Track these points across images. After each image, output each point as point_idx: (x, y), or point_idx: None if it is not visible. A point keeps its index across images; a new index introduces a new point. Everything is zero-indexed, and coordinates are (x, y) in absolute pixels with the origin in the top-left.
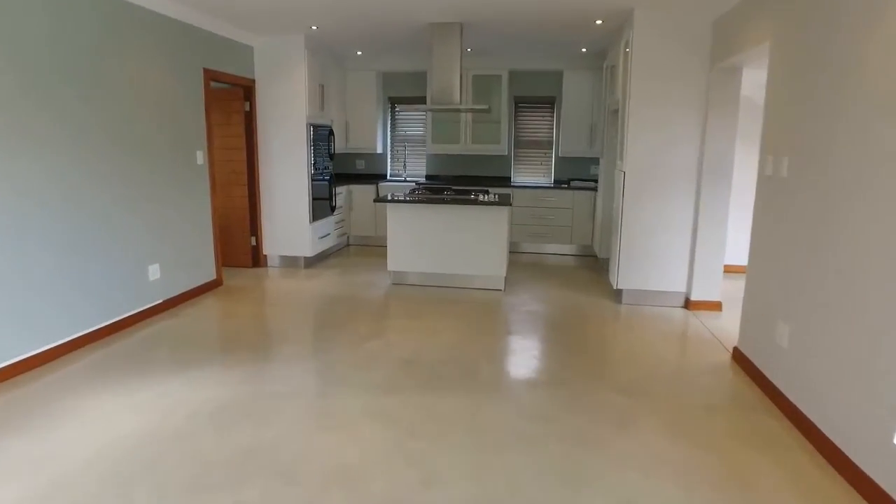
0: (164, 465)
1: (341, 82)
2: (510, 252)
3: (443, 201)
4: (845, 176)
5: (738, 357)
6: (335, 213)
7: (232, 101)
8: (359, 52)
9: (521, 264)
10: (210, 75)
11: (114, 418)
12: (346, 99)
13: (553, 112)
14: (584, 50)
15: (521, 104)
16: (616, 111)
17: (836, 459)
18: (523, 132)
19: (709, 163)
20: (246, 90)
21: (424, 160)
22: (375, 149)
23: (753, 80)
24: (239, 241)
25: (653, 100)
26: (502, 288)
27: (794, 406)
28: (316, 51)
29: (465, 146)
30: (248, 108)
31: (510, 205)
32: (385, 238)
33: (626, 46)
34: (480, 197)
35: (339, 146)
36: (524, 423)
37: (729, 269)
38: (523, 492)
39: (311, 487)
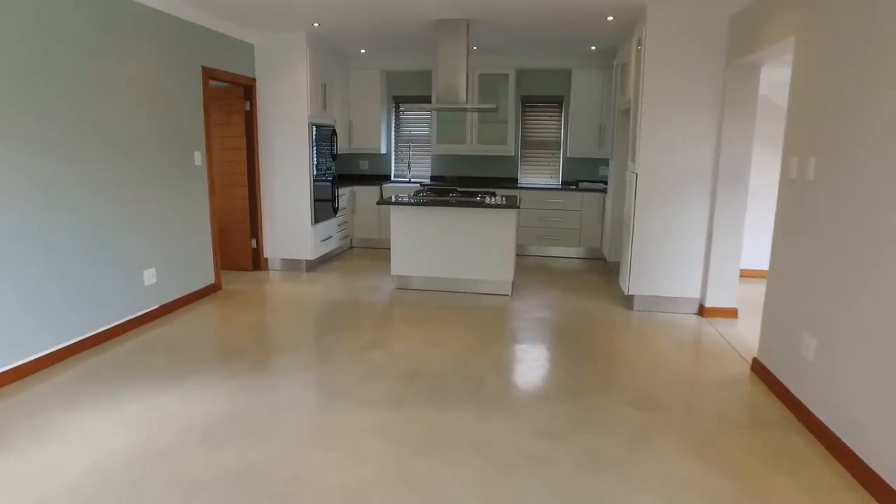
0: (152, 486)
1: (344, 81)
2: (516, 255)
3: (448, 204)
4: (878, 178)
5: (758, 368)
6: (338, 214)
7: (232, 100)
8: (362, 51)
9: (528, 267)
10: (209, 74)
11: (101, 434)
12: (349, 98)
13: (561, 112)
14: (593, 48)
15: (529, 104)
16: (627, 111)
17: (873, 485)
18: (530, 132)
19: (725, 165)
20: (246, 89)
21: (429, 161)
22: (379, 149)
23: (769, 79)
24: (239, 244)
25: (666, 99)
26: (509, 293)
27: (823, 424)
28: (318, 49)
29: (470, 146)
30: (248, 108)
31: (518, 207)
32: (389, 240)
33: (638, 44)
34: (487, 199)
35: (342, 146)
36: (534, 441)
37: (743, 274)
38: None
39: None
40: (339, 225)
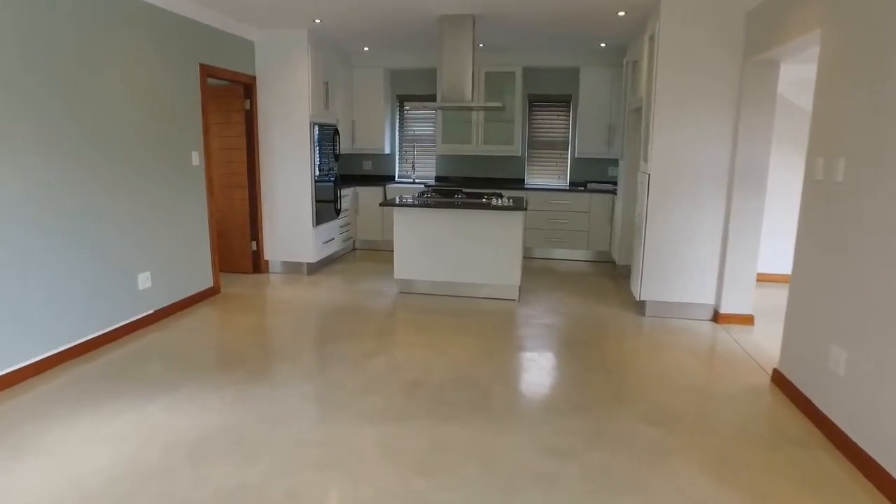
0: None
1: (347, 80)
2: (522, 257)
3: (453, 205)
4: None
5: (779, 380)
6: (340, 216)
7: (232, 98)
8: (365, 48)
9: (535, 270)
10: (207, 71)
11: (85, 449)
12: (352, 97)
13: (569, 111)
14: (602, 45)
15: (536, 103)
16: (638, 110)
17: None
18: (538, 132)
19: (741, 165)
20: (246, 87)
21: (434, 161)
22: (383, 149)
23: (784, 76)
24: (239, 246)
25: (680, 97)
26: (516, 298)
27: (854, 443)
28: (320, 46)
29: (476, 147)
30: (248, 107)
31: (525, 209)
32: (393, 242)
33: (650, 40)
34: (493, 201)
35: (345, 146)
36: (543, 459)
37: (758, 278)
38: None
39: None
40: (341, 227)
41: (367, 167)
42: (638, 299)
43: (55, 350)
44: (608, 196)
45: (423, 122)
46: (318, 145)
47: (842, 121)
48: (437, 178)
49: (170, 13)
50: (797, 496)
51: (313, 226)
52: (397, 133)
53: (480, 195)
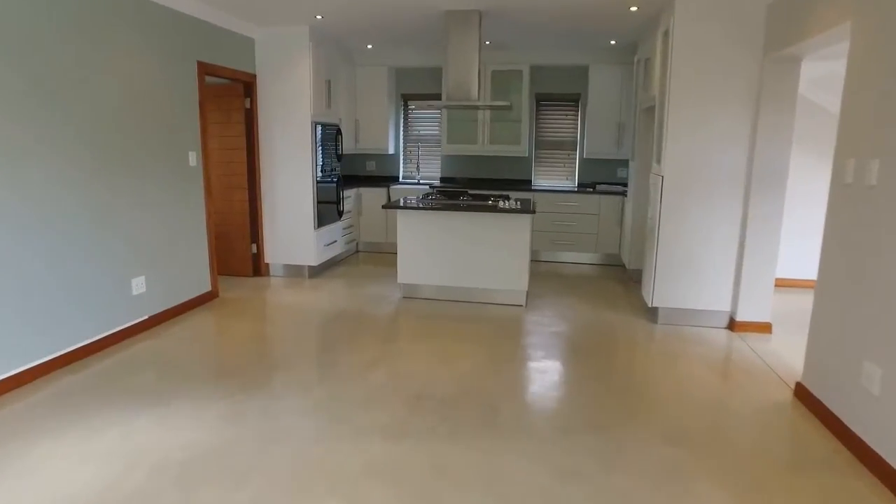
0: None
1: (350, 78)
2: (529, 260)
3: (458, 208)
4: None
5: (803, 395)
6: (343, 217)
7: (231, 97)
8: (369, 46)
9: (542, 274)
10: (205, 69)
11: (65, 469)
12: (355, 96)
13: (577, 110)
14: (612, 42)
15: (544, 102)
16: (650, 109)
17: None
18: (545, 132)
19: (760, 166)
20: (246, 86)
21: (439, 161)
22: (387, 149)
23: (802, 74)
24: (238, 249)
25: (696, 95)
26: (523, 303)
27: (890, 466)
28: (322, 43)
29: (482, 147)
30: (248, 106)
31: (533, 212)
32: (396, 245)
33: (664, 36)
34: (500, 203)
35: (348, 146)
36: (555, 483)
37: (775, 283)
38: None
39: None
40: (343, 228)
41: (371, 168)
42: (650, 306)
43: (40, 360)
44: (618, 198)
45: (428, 121)
46: (321, 145)
47: (876, 119)
48: (443, 179)
49: (166, 9)
50: None
51: (315, 228)
52: (401, 133)
53: (486, 197)
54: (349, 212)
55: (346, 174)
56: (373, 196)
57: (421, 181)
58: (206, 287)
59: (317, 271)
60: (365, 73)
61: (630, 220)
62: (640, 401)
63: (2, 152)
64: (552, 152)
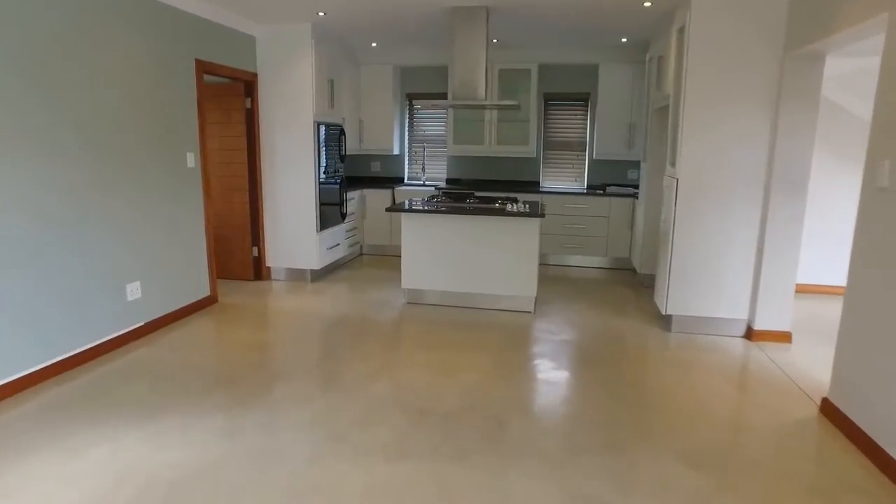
0: None
1: (354, 77)
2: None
3: (464, 211)
4: None
5: (830, 411)
6: (346, 220)
7: (231, 97)
8: (373, 44)
9: (550, 278)
10: (204, 67)
11: (48, 490)
12: (359, 95)
13: (587, 110)
14: (623, 40)
15: (552, 101)
16: (663, 109)
17: None
18: (554, 132)
19: (780, 168)
20: (247, 85)
21: (445, 162)
22: (392, 150)
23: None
24: (239, 253)
25: (713, 94)
26: (532, 310)
27: None
28: (325, 41)
29: (489, 147)
30: (249, 105)
31: (542, 215)
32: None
33: (679, 32)
34: (508, 206)
35: (352, 147)
36: None
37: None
38: None
39: None
40: (347, 231)
41: (375, 168)
42: (664, 313)
43: (27, 371)
44: (628, 200)
45: (434, 121)
46: (324, 146)
47: None
48: (449, 181)
49: (163, 5)
50: None
51: (318, 231)
52: (407, 133)
53: (494, 199)
54: (353, 214)
55: (349, 175)
56: (377, 197)
57: (426, 182)
58: (205, 291)
59: (319, 275)
60: (369, 71)
61: (641, 223)
62: (656, 417)
63: None
64: (561, 153)
